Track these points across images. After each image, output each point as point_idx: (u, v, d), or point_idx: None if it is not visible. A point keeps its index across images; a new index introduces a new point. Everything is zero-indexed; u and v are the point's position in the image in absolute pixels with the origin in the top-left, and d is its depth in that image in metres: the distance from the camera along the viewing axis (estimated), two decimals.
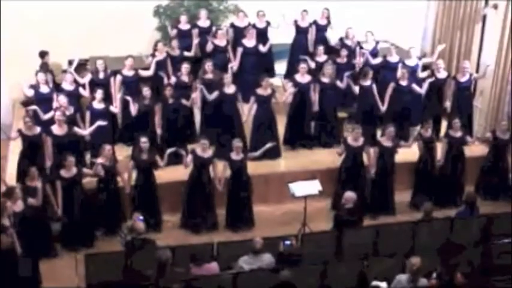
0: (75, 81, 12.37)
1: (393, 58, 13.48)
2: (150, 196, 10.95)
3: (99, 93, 11.54)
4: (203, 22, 13.96)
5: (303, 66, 12.63)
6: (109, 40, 13.87)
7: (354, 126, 11.52)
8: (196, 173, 10.93)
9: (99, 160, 10.54)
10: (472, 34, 14.35)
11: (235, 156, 10.90)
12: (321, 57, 13.42)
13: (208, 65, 12.54)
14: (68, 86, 12.17)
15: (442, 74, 13.07)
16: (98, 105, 11.58)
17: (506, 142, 11.98)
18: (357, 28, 14.12)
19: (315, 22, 14.32)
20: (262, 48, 13.83)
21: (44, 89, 12.01)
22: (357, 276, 8.71)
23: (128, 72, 12.53)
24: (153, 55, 13.02)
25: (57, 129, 10.95)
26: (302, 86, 12.51)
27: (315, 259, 8.98)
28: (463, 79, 12.81)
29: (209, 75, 12.52)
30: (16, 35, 13.68)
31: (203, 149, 10.86)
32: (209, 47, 13.54)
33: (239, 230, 11.03)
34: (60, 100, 11.42)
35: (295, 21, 14.27)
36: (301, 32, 14.33)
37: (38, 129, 10.89)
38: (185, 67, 12.47)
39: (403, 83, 12.64)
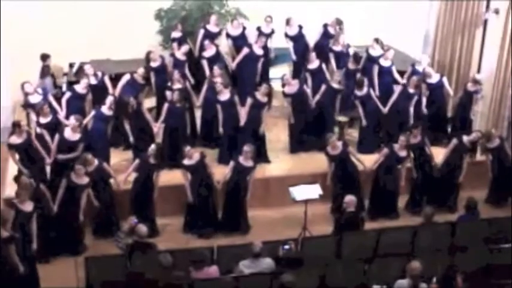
0: (70, 83, 12.51)
1: (386, 62, 13.50)
2: (146, 200, 10.96)
3: (109, 100, 11.60)
4: (212, 27, 13.98)
5: (286, 78, 12.69)
6: (110, 43, 13.89)
7: (328, 135, 11.55)
8: (193, 179, 10.96)
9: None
10: (473, 38, 14.36)
11: (243, 161, 10.90)
12: (313, 64, 13.38)
13: (216, 69, 12.58)
14: (80, 89, 12.26)
15: (434, 79, 13.09)
16: (107, 111, 11.63)
17: (497, 148, 11.99)
18: (359, 32, 14.13)
19: (325, 25, 14.24)
20: (258, 51, 13.70)
21: (34, 99, 11.99)
22: (358, 281, 8.73)
23: (140, 80, 12.62)
24: (148, 65, 13.02)
25: (70, 134, 11.04)
26: (295, 96, 12.53)
27: (315, 263, 8.97)
28: (472, 88, 12.84)
29: (217, 79, 12.53)
30: (17, 37, 13.68)
31: (189, 156, 10.87)
32: (211, 52, 13.53)
33: (234, 234, 11.02)
34: None
35: (285, 34, 14.18)
36: (294, 40, 14.25)
37: (25, 136, 10.91)
38: (176, 73, 12.54)
39: (411, 90, 12.65)
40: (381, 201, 11.64)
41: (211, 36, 13.85)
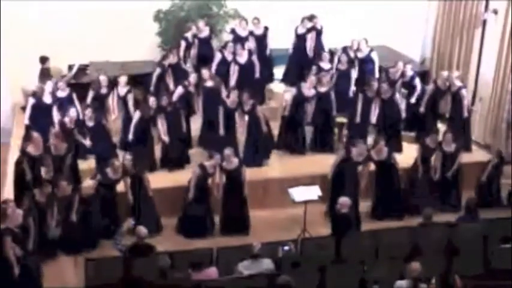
0: (69, 85, 12.53)
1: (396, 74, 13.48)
2: (144, 201, 10.98)
3: (88, 112, 11.59)
4: (202, 33, 13.95)
5: (312, 78, 12.65)
6: (109, 45, 13.86)
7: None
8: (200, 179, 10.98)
9: (109, 171, 10.64)
10: (471, 39, 14.36)
11: (226, 164, 10.91)
12: (327, 65, 13.47)
13: (205, 73, 12.59)
14: (61, 93, 12.27)
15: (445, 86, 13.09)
16: (89, 122, 11.64)
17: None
18: (358, 32, 14.15)
19: (314, 28, 14.32)
20: (255, 61, 13.69)
21: (47, 99, 12.02)
22: (358, 282, 8.73)
23: (122, 90, 12.54)
24: (161, 64, 13.06)
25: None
26: (305, 98, 12.58)
27: (314, 264, 8.96)
28: (454, 87, 12.83)
29: (209, 83, 12.56)
30: (17, 39, 13.68)
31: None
32: (217, 57, 13.53)
33: (234, 235, 11.00)
34: (72, 114, 11.51)
35: (295, 29, 14.29)
36: (299, 38, 14.32)
37: (41, 149, 10.84)
38: (193, 77, 12.57)
39: (384, 96, 12.63)
40: (384, 202, 11.64)
41: (204, 41, 13.87)
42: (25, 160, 10.77)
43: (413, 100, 13.18)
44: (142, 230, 9.45)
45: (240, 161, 11.17)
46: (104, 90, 12.48)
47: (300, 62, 14.22)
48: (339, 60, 13.57)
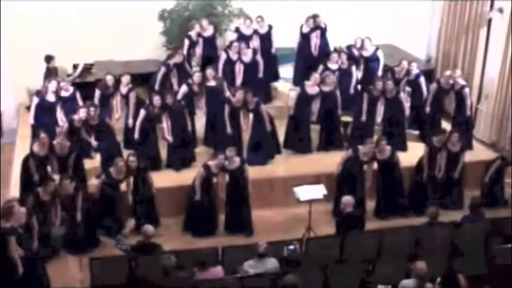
0: (74, 84, 12.59)
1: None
2: (146, 199, 11.02)
3: (91, 111, 11.51)
4: (206, 31, 13.95)
5: (316, 76, 12.64)
6: (114, 44, 13.88)
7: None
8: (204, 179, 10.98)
9: (112, 171, 10.67)
10: (477, 38, 14.34)
11: (228, 164, 10.90)
12: (334, 65, 13.44)
13: (210, 72, 12.60)
14: (64, 93, 12.27)
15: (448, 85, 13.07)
16: (92, 122, 11.59)
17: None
18: (362, 31, 14.14)
19: (318, 27, 14.33)
20: (260, 59, 13.70)
21: (51, 98, 12.05)
22: (361, 282, 8.73)
23: (124, 89, 12.49)
24: (166, 63, 13.08)
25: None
26: (309, 97, 12.57)
27: (319, 263, 8.96)
28: (458, 86, 12.80)
29: (212, 83, 12.58)
30: (21, 38, 13.71)
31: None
32: (222, 57, 13.53)
33: (238, 234, 11.00)
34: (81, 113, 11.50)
35: (300, 28, 14.29)
36: (304, 37, 14.34)
37: (46, 149, 10.84)
38: (197, 76, 12.55)
39: (389, 95, 12.61)
40: (386, 201, 11.62)
41: (208, 40, 13.87)
42: (31, 160, 10.80)
43: (427, 101, 13.12)
44: (149, 228, 9.45)
45: (243, 160, 11.16)
46: (109, 90, 12.50)
47: (306, 61, 14.21)
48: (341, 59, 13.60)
